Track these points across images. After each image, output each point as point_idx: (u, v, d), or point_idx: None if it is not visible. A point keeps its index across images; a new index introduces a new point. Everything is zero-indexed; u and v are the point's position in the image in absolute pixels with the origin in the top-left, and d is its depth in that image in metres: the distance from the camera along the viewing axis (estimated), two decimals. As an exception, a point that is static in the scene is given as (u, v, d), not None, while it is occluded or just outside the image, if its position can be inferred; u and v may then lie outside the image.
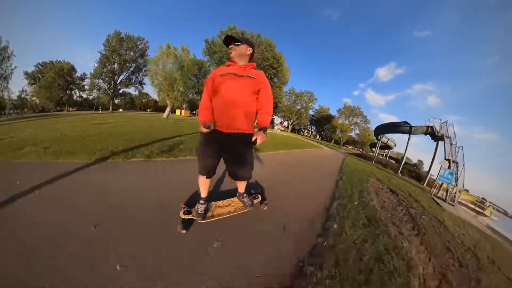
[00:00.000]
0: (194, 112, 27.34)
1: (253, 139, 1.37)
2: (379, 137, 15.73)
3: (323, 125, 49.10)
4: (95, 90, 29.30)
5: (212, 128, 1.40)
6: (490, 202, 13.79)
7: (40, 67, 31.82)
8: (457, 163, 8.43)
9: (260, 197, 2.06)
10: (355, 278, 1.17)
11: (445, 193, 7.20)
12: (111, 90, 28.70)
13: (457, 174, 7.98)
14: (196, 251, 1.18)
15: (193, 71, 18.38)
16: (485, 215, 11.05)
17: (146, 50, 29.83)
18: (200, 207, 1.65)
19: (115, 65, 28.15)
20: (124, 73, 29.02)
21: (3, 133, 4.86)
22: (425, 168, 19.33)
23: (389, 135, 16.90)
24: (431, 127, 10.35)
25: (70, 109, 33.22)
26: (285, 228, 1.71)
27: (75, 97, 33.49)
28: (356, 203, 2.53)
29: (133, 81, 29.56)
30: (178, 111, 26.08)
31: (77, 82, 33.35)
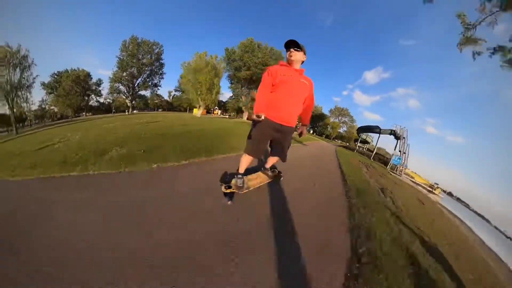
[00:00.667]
0: (209, 111, 30.82)
1: (299, 132, 1.97)
2: (360, 134, 20.86)
3: (317, 122, 54.93)
4: (114, 94, 31.75)
5: (263, 118, 1.68)
6: (437, 184, 19.32)
7: (56, 76, 33.79)
8: (406, 153, 13.51)
9: (277, 171, 2.53)
10: (360, 200, 5.61)
11: (397, 171, 12.21)
12: (130, 93, 31.55)
13: (404, 160, 13.05)
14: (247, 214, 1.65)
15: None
16: (435, 194, 16.34)
17: (161, 54, 32.73)
18: (239, 181, 1.97)
19: (134, 69, 30.86)
20: (142, 76, 31.87)
21: (44, 140, 5.11)
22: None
23: (370, 134, 22.14)
24: (394, 130, 15.38)
25: (88, 114, 35.64)
26: (315, 184, 2.80)
27: (91, 102, 35.67)
28: (347, 164, 7.15)
29: (149, 83, 32.54)
30: (195, 110, 29.65)
31: (94, 88, 35.59)
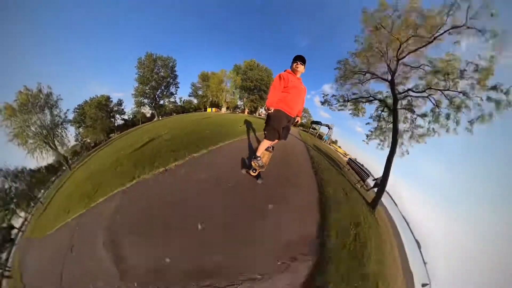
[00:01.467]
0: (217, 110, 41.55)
1: (296, 121, 3.05)
2: (312, 125, 37.44)
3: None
4: (140, 107, 38.51)
5: (272, 110, 2.65)
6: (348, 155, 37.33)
7: (78, 110, 36.18)
8: (331, 135, 30.04)
9: (271, 148, 4.04)
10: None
11: (326, 142, 28.59)
12: (153, 104, 39.49)
13: (329, 138, 29.53)
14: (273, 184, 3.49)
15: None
16: (345, 156, 33.81)
17: (175, 67, 41.70)
18: (260, 162, 2.96)
19: (153, 82, 38.65)
20: (161, 88, 40.70)
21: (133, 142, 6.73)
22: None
23: (318, 125, 39.07)
24: (327, 124, 31.82)
25: (118, 132, 37.76)
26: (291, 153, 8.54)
27: (117, 122, 39.99)
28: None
29: (167, 93, 41.51)
30: (209, 109, 40.29)
31: (116, 108, 40.16)
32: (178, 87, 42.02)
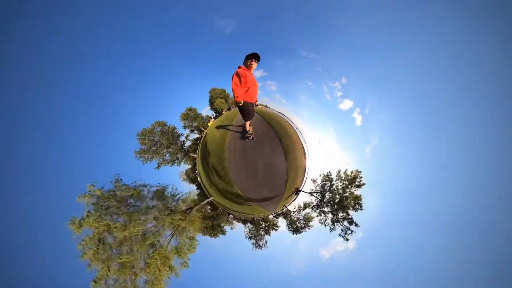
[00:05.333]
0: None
1: (255, 104, 5.49)
2: None
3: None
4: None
5: (242, 103, 4.55)
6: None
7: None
8: None
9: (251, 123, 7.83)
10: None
11: None
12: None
13: None
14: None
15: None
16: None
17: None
18: (250, 136, 8.21)
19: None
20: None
21: None
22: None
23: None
24: None
25: None
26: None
27: None
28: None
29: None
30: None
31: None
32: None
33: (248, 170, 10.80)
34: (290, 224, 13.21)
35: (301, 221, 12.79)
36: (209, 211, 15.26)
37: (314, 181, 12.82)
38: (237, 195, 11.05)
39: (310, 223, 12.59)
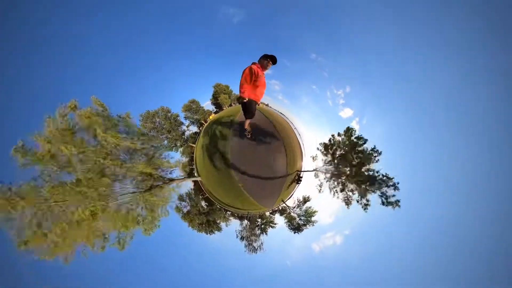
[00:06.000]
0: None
1: (259, 103, 5.37)
2: None
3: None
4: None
5: (247, 100, 4.40)
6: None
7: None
8: None
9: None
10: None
11: None
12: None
13: None
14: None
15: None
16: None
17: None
18: (248, 129, 7.85)
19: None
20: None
21: None
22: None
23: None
24: None
25: None
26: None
27: None
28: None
29: None
30: None
31: None
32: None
33: (247, 163, 10.51)
34: (289, 222, 12.29)
35: (302, 218, 11.90)
36: (204, 206, 14.85)
37: (314, 158, 11.58)
38: (235, 189, 10.70)
39: (313, 219, 11.53)
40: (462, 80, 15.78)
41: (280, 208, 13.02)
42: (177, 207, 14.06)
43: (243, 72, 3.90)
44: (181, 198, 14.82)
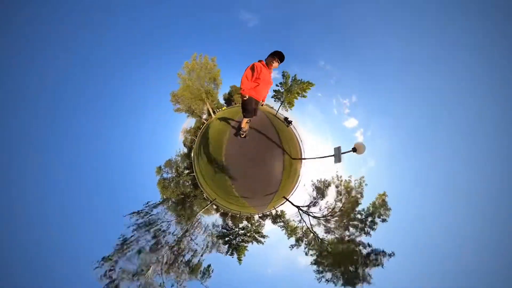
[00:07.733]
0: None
1: (261, 103, 4.86)
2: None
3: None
4: None
5: (246, 97, 4.00)
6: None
7: None
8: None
9: (249, 121, 6.27)
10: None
11: None
12: None
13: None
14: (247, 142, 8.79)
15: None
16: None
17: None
18: (243, 134, 7.08)
19: None
20: None
21: None
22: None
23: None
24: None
25: None
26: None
27: None
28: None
29: None
30: None
31: None
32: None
33: (243, 164, 10.44)
34: (286, 228, 12.18)
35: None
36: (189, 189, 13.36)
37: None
38: (228, 189, 10.71)
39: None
40: (473, 93, 14.65)
41: (273, 214, 12.73)
42: (159, 168, 13.09)
43: (245, 69, 3.89)
44: (168, 164, 13.73)
